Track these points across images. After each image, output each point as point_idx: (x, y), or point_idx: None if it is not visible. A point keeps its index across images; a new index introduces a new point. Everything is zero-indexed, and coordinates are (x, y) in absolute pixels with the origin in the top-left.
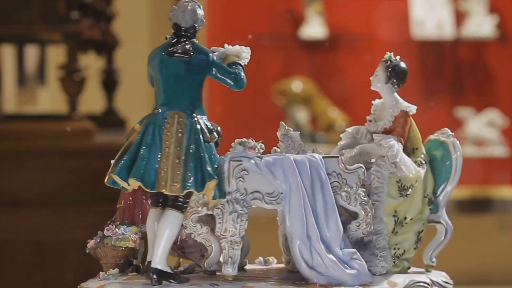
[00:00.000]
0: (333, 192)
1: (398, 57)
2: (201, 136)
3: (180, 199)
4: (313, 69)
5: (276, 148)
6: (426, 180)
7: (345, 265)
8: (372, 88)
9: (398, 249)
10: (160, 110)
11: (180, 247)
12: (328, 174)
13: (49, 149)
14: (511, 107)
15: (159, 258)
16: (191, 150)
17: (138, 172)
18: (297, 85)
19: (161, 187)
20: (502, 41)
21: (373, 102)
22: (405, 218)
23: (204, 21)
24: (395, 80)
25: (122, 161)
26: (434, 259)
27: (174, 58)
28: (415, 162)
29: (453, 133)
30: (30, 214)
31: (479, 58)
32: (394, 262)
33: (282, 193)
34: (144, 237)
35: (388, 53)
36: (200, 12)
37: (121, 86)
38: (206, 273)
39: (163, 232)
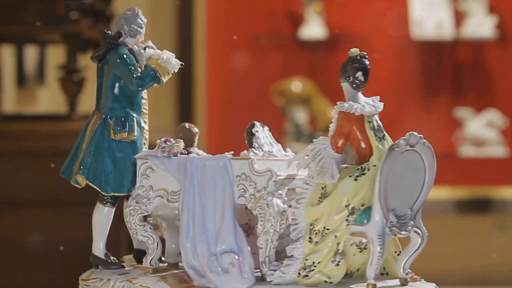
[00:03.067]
0: (240, 194)
1: (360, 53)
2: (106, 133)
3: (101, 193)
4: (313, 69)
5: (245, 151)
6: (358, 189)
7: (219, 269)
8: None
9: (307, 260)
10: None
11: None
12: (237, 176)
13: (49, 149)
14: (511, 108)
15: (95, 246)
16: (94, 146)
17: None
18: (296, 85)
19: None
20: (502, 41)
21: None
22: (324, 227)
23: (135, 27)
24: (347, 77)
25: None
26: (408, 271)
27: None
28: (361, 168)
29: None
30: (29, 214)
31: (479, 58)
32: (302, 273)
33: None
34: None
35: (353, 49)
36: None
37: None
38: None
39: (93, 223)
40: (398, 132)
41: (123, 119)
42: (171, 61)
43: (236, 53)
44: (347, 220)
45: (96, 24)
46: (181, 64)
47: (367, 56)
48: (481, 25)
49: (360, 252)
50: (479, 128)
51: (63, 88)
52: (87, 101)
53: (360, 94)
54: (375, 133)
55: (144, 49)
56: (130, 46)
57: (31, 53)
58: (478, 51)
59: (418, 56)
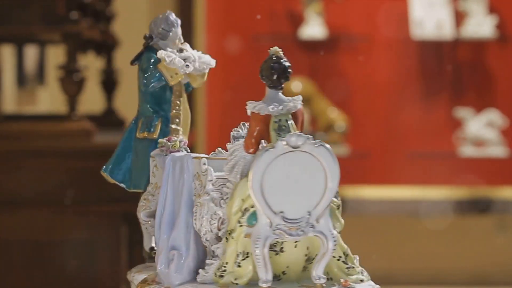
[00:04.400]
0: (194, 192)
1: (276, 53)
2: (134, 132)
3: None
4: (313, 69)
5: (220, 148)
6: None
7: (164, 265)
8: None
9: (222, 260)
10: None
11: None
12: (194, 175)
13: (49, 149)
14: (511, 108)
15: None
16: (122, 143)
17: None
18: (296, 85)
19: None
20: (502, 41)
21: None
22: (228, 228)
23: (162, 31)
24: (262, 77)
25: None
26: (322, 277)
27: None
28: None
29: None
30: (29, 214)
31: (479, 58)
32: (218, 273)
33: None
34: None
35: (272, 48)
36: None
37: (120, 87)
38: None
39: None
40: (398, 132)
41: (149, 119)
42: (175, 63)
43: (236, 53)
44: (239, 221)
45: (97, 24)
46: (186, 65)
47: (282, 56)
48: (481, 25)
49: (276, 254)
50: (479, 128)
51: (63, 88)
52: (87, 101)
53: (279, 94)
54: (278, 134)
55: (179, 51)
56: (163, 49)
57: (31, 53)
58: (478, 51)
59: (418, 56)
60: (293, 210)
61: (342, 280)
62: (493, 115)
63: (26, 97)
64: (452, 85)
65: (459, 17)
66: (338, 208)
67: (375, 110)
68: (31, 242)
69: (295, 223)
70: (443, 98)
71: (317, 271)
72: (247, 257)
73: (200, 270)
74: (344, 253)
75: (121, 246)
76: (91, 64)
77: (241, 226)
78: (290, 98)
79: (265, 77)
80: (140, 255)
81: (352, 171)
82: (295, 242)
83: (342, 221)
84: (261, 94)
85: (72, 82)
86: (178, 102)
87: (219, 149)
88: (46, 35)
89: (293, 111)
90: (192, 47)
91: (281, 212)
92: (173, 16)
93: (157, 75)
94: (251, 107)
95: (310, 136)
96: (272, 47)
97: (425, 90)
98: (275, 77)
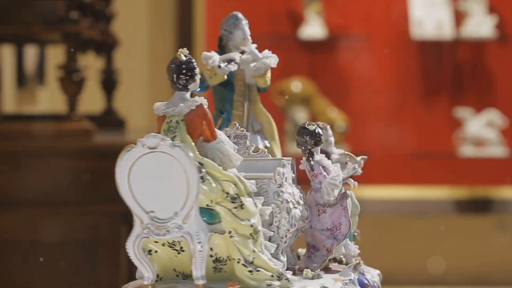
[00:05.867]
0: None
1: (177, 55)
2: None
3: None
4: (313, 69)
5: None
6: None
7: None
8: None
9: None
10: None
11: None
12: None
13: (49, 149)
14: (511, 108)
15: None
16: None
17: None
18: (296, 85)
19: None
20: (502, 41)
21: None
22: None
23: (228, 31)
24: (168, 78)
25: None
26: (200, 277)
27: None
28: None
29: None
30: (29, 214)
31: (479, 58)
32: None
33: None
34: None
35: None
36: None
37: (120, 86)
38: None
39: None
40: (398, 132)
41: (214, 118)
42: (210, 64)
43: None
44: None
45: (96, 24)
46: (225, 65)
47: (182, 58)
48: (481, 25)
49: (178, 254)
50: (479, 128)
51: (63, 88)
52: (87, 101)
53: (185, 95)
54: (165, 134)
55: (241, 53)
56: (234, 51)
57: (31, 53)
58: (478, 51)
59: (418, 56)
60: (162, 210)
61: (202, 282)
62: (493, 115)
63: (26, 97)
64: (452, 85)
65: (459, 17)
66: (253, 235)
67: (375, 110)
68: (30, 242)
69: (163, 223)
70: (443, 98)
71: (195, 273)
72: (150, 254)
73: None
74: (248, 256)
75: (121, 246)
76: (91, 64)
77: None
78: (191, 99)
79: (168, 78)
80: None
81: None
82: (164, 244)
83: (262, 247)
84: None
85: (72, 82)
86: (240, 103)
87: None
88: (46, 35)
89: (184, 113)
90: (193, 47)
91: (152, 211)
92: (236, 17)
93: (200, 77)
94: (154, 107)
95: (166, 138)
96: (180, 49)
97: (425, 90)
98: (173, 78)
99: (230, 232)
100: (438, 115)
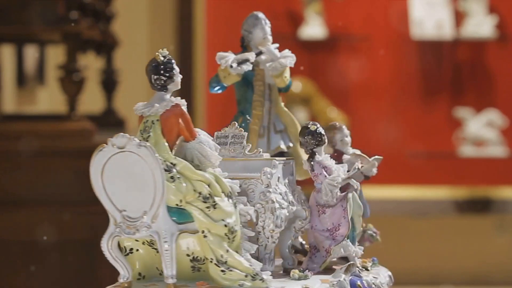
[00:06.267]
0: None
1: (156, 56)
2: None
3: None
4: (313, 69)
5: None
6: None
7: None
8: None
9: None
10: None
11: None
12: None
13: (49, 149)
14: (511, 107)
15: None
16: None
17: None
18: (296, 85)
19: None
20: (502, 41)
21: None
22: None
23: (249, 31)
24: (148, 79)
25: None
26: (170, 276)
27: None
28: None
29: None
30: (29, 214)
31: (479, 58)
32: None
33: None
34: None
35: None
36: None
37: (120, 86)
38: None
39: None
40: (398, 132)
41: (235, 117)
42: (227, 64)
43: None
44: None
45: (96, 24)
46: (230, 66)
47: (160, 59)
48: (481, 25)
49: (158, 252)
50: (479, 128)
51: (63, 88)
52: (87, 101)
53: (164, 95)
54: (141, 134)
55: (258, 54)
56: (255, 51)
57: (31, 53)
58: (478, 51)
59: (418, 56)
60: (133, 209)
61: (172, 281)
62: (493, 115)
63: (26, 97)
64: (452, 85)
65: (459, 17)
66: (228, 235)
67: (375, 110)
68: (31, 242)
69: (133, 222)
70: (443, 98)
71: (165, 271)
72: (131, 252)
73: None
74: (221, 256)
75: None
76: (91, 64)
77: None
78: (168, 99)
79: (148, 78)
80: None
81: None
82: (146, 242)
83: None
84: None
85: (72, 82)
86: (259, 103)
87: None
88: (46, 35)
89: (160, 113)
90: (193, 47)
91: (124, 210)
92: (255, 17)
93: (214, 78)
94: (134, 107)
95: (133, 137)
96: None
97: (425, 90)
98: (151, 78)
99: (203, 232)
100: (438, 115)
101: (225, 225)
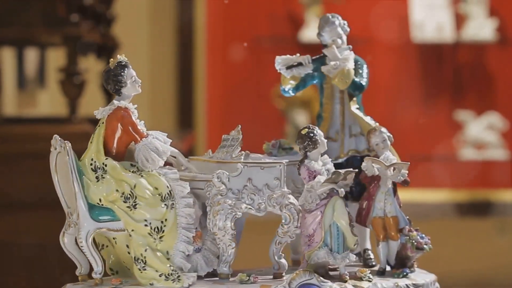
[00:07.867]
0: None
1: (112, 62)
2: None
3: None
4: None
5: (210, 151)
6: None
7: None
8: None
9: None
10: None
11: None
12: None
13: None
14: (511, 110)
15: None
16: None
17: None
18: None
19: None
20: (502, 44)
21: None
22: None
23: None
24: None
25: None
26: (96, 272)
27: None
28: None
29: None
30: (30, 217)
31: (479, 61)
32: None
33: None
34: None
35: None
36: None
37: None
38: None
39: None
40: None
41: (316, 119)
42: (277, 67)
43: (236, 55)
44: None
45: (97, 27)
46: (284, 69)
47: (111, 65)
48: (482, 28)
49: (113, 247)
50: (480, 131)
51: (64, 90)
52: (88, 104)
53: (116, 99)
54: (93, 136)
55: (323, 56)
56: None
57: (31, 55)
58: (478, 54)
59: (419, 59)
60: (71, 207)
61: (112, 279)
62: (493, 118)
63: (26, 100)
64: (453, 88)
65: (460, 20)
66: (151, 234)
67: (376, 112)
68: (31, 244)
69: (70, 219)
70: (444, 101)
71: (93, 267)
72: (102, 248)
73: None
74: (140, 254)
75: None
76: (91, 67)
77: None
78: (115, 103)
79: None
80: None
81: None
82: (114, 238)
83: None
84: (259, 96)
85: (72, 85)
86: (328, 106)
87: (210, 151)
88: (46, 38)
89: (104, 116)
90: (193, 48)
91: (69, 207)
92: (325, 19)
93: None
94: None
95: (60, 139)
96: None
97: (425, 92)
98: (104, 83)
99: (132, 231)
100: (439, 118)
101: (146, 225)
